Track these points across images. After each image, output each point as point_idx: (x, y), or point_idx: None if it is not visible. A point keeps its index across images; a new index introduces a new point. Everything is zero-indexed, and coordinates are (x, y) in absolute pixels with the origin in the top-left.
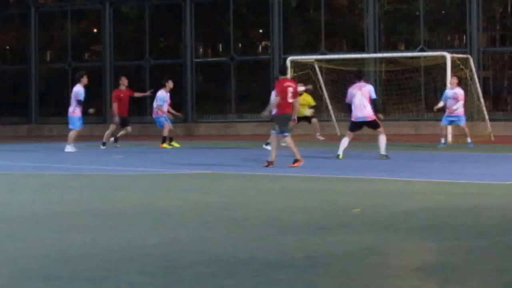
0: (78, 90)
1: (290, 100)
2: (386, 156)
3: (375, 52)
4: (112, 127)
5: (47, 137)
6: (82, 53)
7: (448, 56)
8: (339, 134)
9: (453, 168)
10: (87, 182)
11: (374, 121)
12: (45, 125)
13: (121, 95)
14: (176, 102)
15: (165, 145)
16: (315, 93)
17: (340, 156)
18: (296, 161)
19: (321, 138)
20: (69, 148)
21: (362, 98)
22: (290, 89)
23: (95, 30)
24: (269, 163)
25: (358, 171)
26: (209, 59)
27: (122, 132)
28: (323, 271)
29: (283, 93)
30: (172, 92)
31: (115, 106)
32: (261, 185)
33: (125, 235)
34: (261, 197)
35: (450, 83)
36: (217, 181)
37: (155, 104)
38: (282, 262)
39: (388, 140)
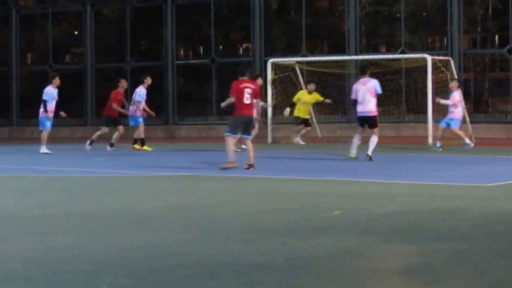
0: (46, 90)
1: (246, 102)
2: (370, 158)
3: (356, 54)
4: (120, 129)
5: (28, 139)
6: (63, 55)
7: (429, 58)
8: (320, 136)
9: (434, 170)
10: (68, 184)
11: (374, 118)
12: (26, 127)
13: (119, 97)
14: (157, 104)
15: (137, 146)
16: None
17: (353, 155)
18: (230, 162)
19: (302, 142)
20: (43, 149)
21: (366, 93)
22: (248, 90)
23: (76, 32)
24: (249, 166)
25: (339, 173)
26: (190, 61)
27: (98, 133)
28: (304, 273)
29: (238, 94)
30: (153, 94)
31: (116, 107)
32: (243, 187)
33: (106, 237)
34: (243, 199)
35: (450, 86)
36: (199, 183)
37: (133, 101)
38: (264, 264)
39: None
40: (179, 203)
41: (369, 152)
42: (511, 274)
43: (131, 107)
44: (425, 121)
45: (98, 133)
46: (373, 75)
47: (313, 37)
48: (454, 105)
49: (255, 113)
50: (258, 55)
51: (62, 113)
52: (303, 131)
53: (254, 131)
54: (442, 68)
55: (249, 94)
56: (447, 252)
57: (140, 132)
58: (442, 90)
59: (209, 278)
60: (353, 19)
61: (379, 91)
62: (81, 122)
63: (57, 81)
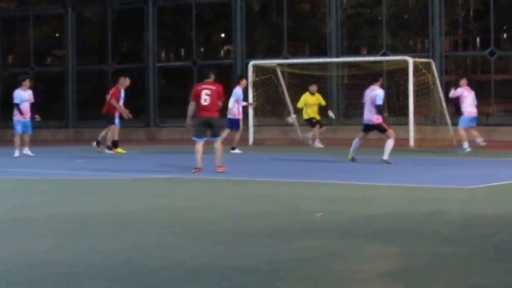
0: (15, 93)
1: (204, 103)
2: (386, 162)
3: (337, 56)
4: (113, 128)
5: (10, 142)
6: (44, 58)
7: (411, 61)
8: (300, 138)
9: (416, 173)
10: (50, 187)
11: (377, 126)
12: (8, 129)
13: (119, 95)
14: (139, 106)
15: (119, 149)
16: (277, 98)
17: (349, 157)
18: (194, 167)
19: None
20: (16, 153)
21: (368, 101)
22: (206, 92)
23: (57, 35)
24: (196, 169)
25: (321, 176)
26: (172, 64)
27: (103, 134)
28: (286, 275)
29: (196, 97)
30: (134, 96)
31: (119, 105)
32: (225, 190)
33: (89, 240)
34: (225, 201)
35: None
36: (181, 185)
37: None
38: (246, 266)
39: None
40: (161, 205)
41: (384, 157)
42: (493, 276)
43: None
44: (406, 123)
45: (103, 133)
46: (354, 78)
47: (295, 39)
48: (462, 101)
49: (237, 115)
50: (240, 57)
51: (37, 117)
52: (314, 133)
53: (238, 133)
54: (424, 70)
55: (208, 95)
56: (429, 254)
57: (115, 134)
58: (424, 92)
59: (191, 281)
60: (334, 21)
61: (378, 102)
62: (63, 124)
63: (27, 83)
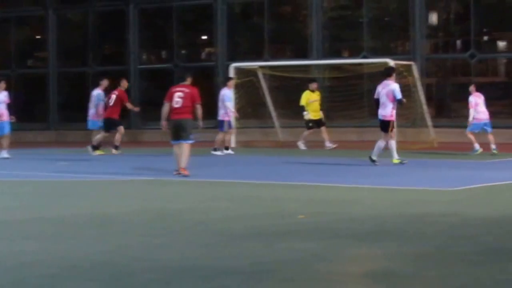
0: None
1: (176, 106)
2: (372, 160)
3: (318, 58)
4: (121, 130)
5: None
6: (26, 60)
7: (392, 63)
8: (282, 140)
9: (398, 175)
10: (32, 189)
11: (387, 123)
12: None
13: (123, 96)
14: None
15: (98, 151)
16: (258, 100)
17: (398, 161)
18: (175, 169)
19: (333, 145)
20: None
21: (384, 97)
22: (179, 94)
23: (39, 37)
24: (179, 171)
25: (304, 178)
26: (153, 66)
27: (98, 136)
28: (269, 277)
29: (169, 100)
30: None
31: (129, 105)
32: (207, 192)
33: (72, 242)
34: (207, 204)
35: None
36: (163, 187)
37: (92, 104)
38: (229, 268)
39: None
40: (143, 207)
41: (372, 155)
42: (476, 278)
43: (91, 111)
44: None
45: (98, 137)
46: (336, 80)
47: (276, 42)
48: (475, 110)
49: (227, 117)
50: (221, 60)
51: (12, 117)
52: (306, 133)
53: (229, 134)
54: (405, 73)
55: (180, 98)
56: (412, 256)
57: (98, 136)
58: (405, 95)
59: (174, 283)
60: (315, 23)
61: (398, 96)
62: (44, 126)
63: (2, 85)
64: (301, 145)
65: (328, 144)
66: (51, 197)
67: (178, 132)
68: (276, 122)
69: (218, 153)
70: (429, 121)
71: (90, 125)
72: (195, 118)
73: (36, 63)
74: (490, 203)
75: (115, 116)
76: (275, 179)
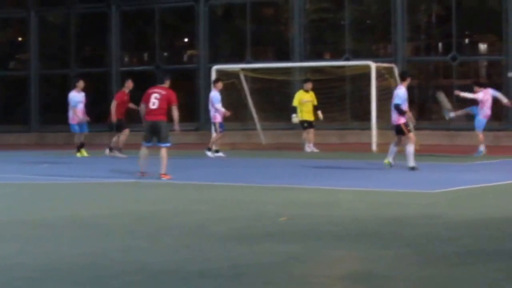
0: None
1: (152, 107)
2: (413, 168)
3: (300, 61)
4: (127, 132)
5: None
6: (7, 62)
7: (373, 66)
8: (264, 143)
9: (379, 177)
10: (12, 191)
11: (399, 127)
12: None
13: (125, 98)
14: (102, 110)
15: (79, 154)
16: (240, 102)
17: (388, 162)
18: (138, 172)
19: (315, 149)
20: None
21: (392, 101)
22: (155, 95)
23: (20, 39)
24: (141, 174)
25: (284, 180)
26: (135, 68)
27: (115, 139)
28: (249, 280)
29: (146, 101)
30: (98, 100)
31: (131, 105)
32: (187, 194)
33: (53, 244)
34: (188, 206)
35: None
36: (144, 190)
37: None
38: (209, 271)
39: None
40: (124, 210)
41: (409, 164)
42: (455, 279)
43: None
44: (369, 127)
45: (115, 139)
46: (317, 82)
47: (258, 44)
48: (481, 104)
49: (218, 118)
50: (203, 62)
51: None
52: (305, 136)
53: (216, 136)
54: (386, 75)
55: (157, 99)
56: (391, 258)
57: (79, 138)
58: (387, 97)
59: (155, 285)
60: (297, 26)
61: (395, 101)
62: (26, 129)
63: None
64: (308, 148)
65: (311, 148)
66: (32, 199)
67: (152, 134)
68: (258, 124)
69: (211, 154)
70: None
71: (71, 128)
72: (170, 120)
73: (17, 65)
74: (470, 206)
75: (121, 117)
76: (256, 182)
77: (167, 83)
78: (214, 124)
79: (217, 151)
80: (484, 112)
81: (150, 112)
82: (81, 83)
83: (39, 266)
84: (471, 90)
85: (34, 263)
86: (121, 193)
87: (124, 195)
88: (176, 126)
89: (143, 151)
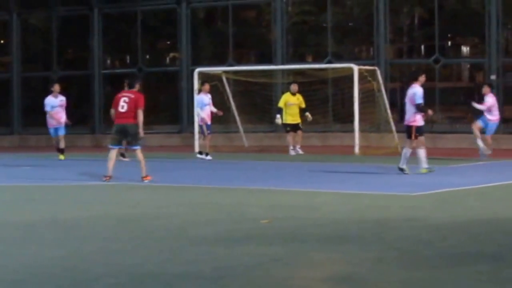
0: None
1: (121, 110)
2: (402, 170)
3: (282, 63)
4: None
5: None
6: None
7: (356, 68)
8: (246, 145)
9: (361, 180)
10: None
11: (409, 128)
12: None
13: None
14: (84, 113)
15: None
16: (222, 105)
17: (402, 167)
18: (104, 175)
19: (301, 151)
20: None
21: (407, 101)
22: (124, 99)
23: (2, 41)
24: (144, 178)
25: (265, 183)
26: (117, 70)
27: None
28: (232, 282)
29: (115, 105)
30: (80, 103)
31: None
32: (169, 197)
33: (33, 247)
34: (169, 209)
35: (483, 92)
36: (125, 192)
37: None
38: (191, 273)
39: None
40: (105, 212)
41: (400, 164)
42: (437, 282)
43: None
44: (352, 130)
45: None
46: (300, 85)
47: (240, 47)
48: (489, 110)
49: (204, 121)
50: (185, 64)
51: None
52: (290, 139)
53: (205, 140)
54: (369, 78)
55: (126, 102)
56: (373, 260)
57: (60, 142)
58: (369, 100)
59: None
60: (279, 28)
61: (417, 100)
62: (8, 131)
63: None
64: (292, 151)
65: (296, 150)
66: (14, 202)
67: (122, 137)
68: (241, 127)
69: (204, 157)
70: (393, 126)
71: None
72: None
73: None
74: (452, 209)
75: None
76: (237, 184)
77: (137, 87)
78: (201, 126)
79: (207, 154)
80: (494, 115)
81: (119, 115)
82: (56, 87)
83: (21, 268)
84: (472, 92)
85: (14, 266)
86: (102, 195)
87: (105, 197)
88: (141, 130)
89: (112, 154)
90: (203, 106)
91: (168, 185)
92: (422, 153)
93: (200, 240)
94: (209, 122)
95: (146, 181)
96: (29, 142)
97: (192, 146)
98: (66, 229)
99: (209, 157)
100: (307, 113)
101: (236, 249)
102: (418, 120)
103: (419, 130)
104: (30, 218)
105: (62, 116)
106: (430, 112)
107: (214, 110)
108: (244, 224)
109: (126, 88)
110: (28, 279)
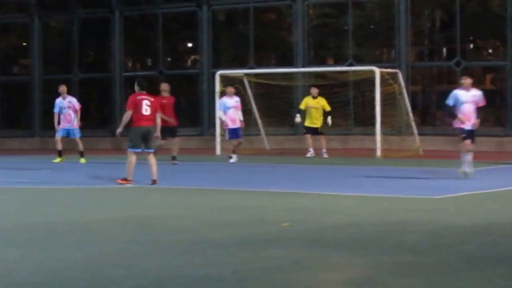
0: None
1: (145, 113)
2: (465, 173)
3: (303, 66)
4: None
5: None
6: (10, 67)
7: (377, 71)
8: (267, 148)
9: (381, 183)
10: (15, 196)
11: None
12: None
13: (164, 101)
14: (105, 115)
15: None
16: (244, 107)
17: (468, 174)
18: (124, 179)
19: (326, 155)
20: None
21: (470, 104)
22: (146, 102)
23: (23, 44)
24: (153, 181)
25: (287, 186)
26: (138, 73)
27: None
28: (252, 285)
29: (136, 107)
30: (100, 105)
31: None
32: (190, 199)
33: (54, 249)
34: (190, 211)
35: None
36: (146, 195)
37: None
38: (211, 276)
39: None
40: (126, 215)
41: (464, 168)
42: (458, 285)
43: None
44: (372, 133)
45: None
46: (321, 88)
47: (261, 49)
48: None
49: (225, 124)
50: (206, 67)
51: None
52: (308, 141)
53: (234, 144)
54: (390, 81)
55: (148, 106)
56: (394, 264)
57: (78, 144)
58: (390, 102)
59: None
60: (300, 31)
61: (447, 101)
62: (29, 133)
63: None
64: (309, 153)
65: (312, 153)
66: (35, 204)
67: (144, 140)
68: (262, 129)
69: (233, 160)
70: (414, 129)
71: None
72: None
73: (20, 70)
74: (473, 212)
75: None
76: (258, 187)
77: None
78: (225, 130)
79: (230, 157)
80: None
81: (144, 117)
82: (62, 88)
83: (40, 271)
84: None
85: (35, 268)
86: (122, 198)
87: (126, 200)
88: (158, 133)
89: (134, 158)
90: (226, 109)
91: (189, 187)
92: (465, 156)
93: (221, 243)
94: (233, 126)
95: (154, 185)
96: (49, 144)
97: (212, 148)
98: (87, 232)
99: (232, 160)
100: (329, 118)
101: (257, 252)
102: (460, 122)
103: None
104: (50, 220)
105: (72, 118)
106: (460, 117)
107: (241, 118)
108: (264, 227)
109: (139, 91)
110: (48, 281)
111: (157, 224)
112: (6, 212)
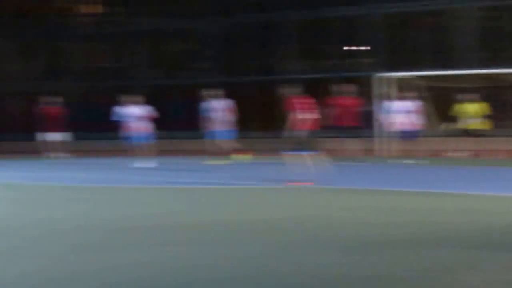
0: None
1: (309, 117)
2: None
3: (470, 68)
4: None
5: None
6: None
7: None
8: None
9: None
10: (186, 196)
11: None
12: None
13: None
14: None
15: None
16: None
17: None
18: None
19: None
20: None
21: None
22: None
23: (199, 48)
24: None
25: (452, 186)
26: (306, 76)
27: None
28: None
29: (294, 109)
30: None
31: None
32: (344, 200)
33: (224, 247)
34: (350, 212)
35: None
36: (309, 195)
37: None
38: (395, 275)
39: None
40: (286, 215)
41: None
42: None
43: None
44: None
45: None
46: (487, 90)
47: (430, 52)
48: None
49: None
50: (379, 70)
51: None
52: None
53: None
54: None
55: (309, 108)
56: None
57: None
58: None
59: None
60: (469, 33)
61: None
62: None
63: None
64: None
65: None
66: (206, 203)
67: (310, 143)
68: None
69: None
70: None
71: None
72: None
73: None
74: None
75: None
76: (424, 187)
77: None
78: (412, 132)
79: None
80: None
81: (307, 120)
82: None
83: (220, 268)
84: None
85: (214, 265)
86: (291, 197)
87: (292, 200)
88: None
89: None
90: (390, 112)
91: (348, 188)
92: None
93: (394, 243)
94: (399, 129)
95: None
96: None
97: (372, 150)
98: (254, 230)
99: (407, 161)
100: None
101: (425, 253)
102: None
103: None
104: (218, 219)
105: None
106: None
107: (419, 122)
108: (431, 227)
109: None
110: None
111: (313, 223)
112: (160, 212)
